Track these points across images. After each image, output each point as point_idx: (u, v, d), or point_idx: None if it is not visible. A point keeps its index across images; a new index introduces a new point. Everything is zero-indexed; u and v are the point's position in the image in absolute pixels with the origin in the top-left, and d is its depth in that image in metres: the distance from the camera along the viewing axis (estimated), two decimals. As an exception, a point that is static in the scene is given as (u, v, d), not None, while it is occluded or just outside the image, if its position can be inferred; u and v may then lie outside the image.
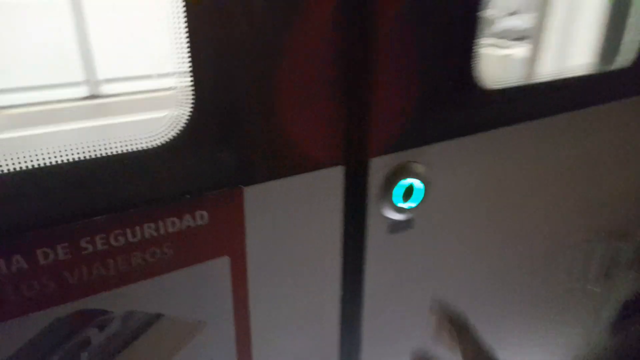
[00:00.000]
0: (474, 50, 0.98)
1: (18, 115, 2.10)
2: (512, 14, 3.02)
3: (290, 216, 0.90)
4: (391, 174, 0.99)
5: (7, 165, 0.63)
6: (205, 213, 0.80)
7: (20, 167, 0.63)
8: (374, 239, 1.02)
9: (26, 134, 1.96)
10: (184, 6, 0.68)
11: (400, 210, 1.02)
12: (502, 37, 2.61)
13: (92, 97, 2.35)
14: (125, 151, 0.71)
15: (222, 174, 0.80)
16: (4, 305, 0.67)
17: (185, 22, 0.69)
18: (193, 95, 0.73)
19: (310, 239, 0.94)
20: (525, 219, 1.30)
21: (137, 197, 0.74)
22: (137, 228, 0.74)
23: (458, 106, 1.03)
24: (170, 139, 0.73)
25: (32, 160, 0.64)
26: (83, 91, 2.34)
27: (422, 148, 1.01)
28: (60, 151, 0.66)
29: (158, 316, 0.82)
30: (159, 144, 0.72)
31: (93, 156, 0.68)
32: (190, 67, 0.71)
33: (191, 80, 0.72)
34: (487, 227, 1.23)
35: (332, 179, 0.92)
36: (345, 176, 0.93)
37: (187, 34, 0.70)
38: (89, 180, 0.69)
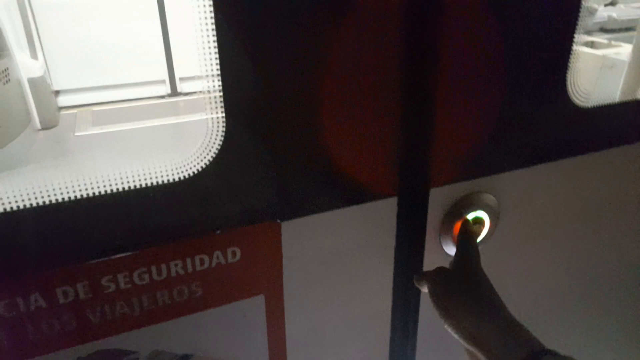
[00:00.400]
0: (569, 56, 0.80)
1: (104, 112, 2.19)
2: (610, 4, 2.63)
3: (334, 253, 0.80)
4: (455, 206, 0.85)
5: (24, 200, 0.58)
6: (237, 250, 0.72)
7: (37, 203, 0.59)
8: (432, 278, 0.89)
9: (111, 130, 2.03)
10: (212, 17, 0.59)
11: (465, 246, 0.88)
12: (596, 33, 2.28)
13: (174, 94, 2.41)
14: (150, 184, 0.64)
15: (257, 207, 0.72)
16: (23, 344, 0.64)
17: (215, 30, 0.60)
18: (224, 118, 0.65)
19: (356, 278, 0.83)
20: (611, 258, 1.09)
21: (162, 232, 0.67)
22: (163, 266, 0.68)
23: (545, 127, 0.86)
24: (199, 170, 0.66)
25: (49, 196, 0.59)
26: (165, 89, 2.40)
27: (494, 177, 0.86)
28: (79, 185, 0.61)
29: (187, 356, 0.76)
30: (187, 175, 0.65)
31: (115, 190, 0.62)
32: (220, 87, 0.62)
33: (222, 104, 0.64)
34: (562, 267, 1.05)
35: (384, 212, 0.80)
36: (399, 209, 0.81)
37: (215, 43, 0.60)
38: (111, 215, 0.64)
